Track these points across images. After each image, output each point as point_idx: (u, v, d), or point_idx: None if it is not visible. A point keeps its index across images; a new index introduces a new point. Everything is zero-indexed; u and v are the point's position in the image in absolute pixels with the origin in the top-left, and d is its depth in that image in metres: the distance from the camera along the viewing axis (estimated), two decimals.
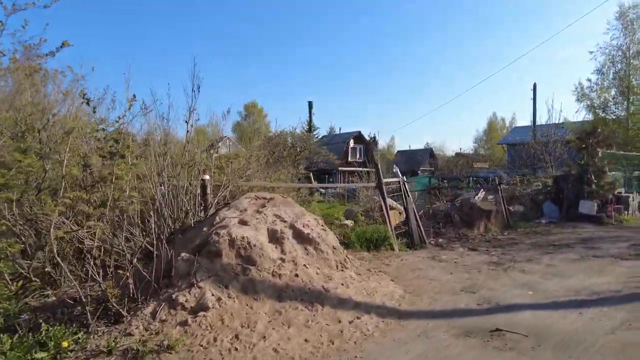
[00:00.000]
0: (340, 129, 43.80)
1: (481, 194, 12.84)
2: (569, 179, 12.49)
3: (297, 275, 4.41)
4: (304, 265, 4.61)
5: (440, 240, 9.44)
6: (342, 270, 5.05)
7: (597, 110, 29.73)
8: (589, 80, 29.33)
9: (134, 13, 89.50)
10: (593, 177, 12.08)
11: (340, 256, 5.29)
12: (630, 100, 28.29)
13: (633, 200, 13.64)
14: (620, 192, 13.48)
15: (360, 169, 19.59)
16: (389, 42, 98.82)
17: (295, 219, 5.17)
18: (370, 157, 37.42)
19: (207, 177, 5.92)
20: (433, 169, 39.41)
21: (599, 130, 12.53)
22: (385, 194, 8.31)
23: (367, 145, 37.37)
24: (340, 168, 34.54)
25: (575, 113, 47.27)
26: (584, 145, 12.60)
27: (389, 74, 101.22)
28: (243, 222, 4.78)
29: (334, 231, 7.76)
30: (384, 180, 8.92)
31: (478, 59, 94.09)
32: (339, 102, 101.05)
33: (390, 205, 13.61)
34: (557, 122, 20.85)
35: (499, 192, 11.17)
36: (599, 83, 29.68)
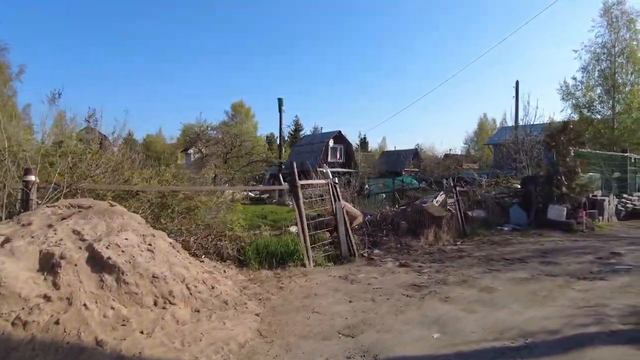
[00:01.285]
0: (321, 129, 42.40)
1: (440, 197, 11.42)
2: (538, 180, 11.11)
3: (57, 323, 2.92)
4: (85, 304, 3.12)
5: (377, 251, 7.99)
6: (164, 308, 3.57)
7: (582, 110, 28.51)
8: (574, 78, 28.19)
9: None
10: (564, 178, 10.70)
11: (175, 287, 3.81)
12: (616, 99, 27.11)
13: (609, 204, 12.28)
14: (596, 196, 12.11)
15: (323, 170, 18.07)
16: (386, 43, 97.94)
17: (101, 236, 3.68)
18: (352, 158, 36.09)
19: (32, 177, 4.45)
20: (417, 169, 38.15)
21: (571, 127, 11.16)
22: (300, 197, 6.83)
23: (348, 145, 35.92)
24: (319, 169, 33.11)
25: (560, 112, 46.34)
26: (554, 144, 11.24)
27: (381, 76, 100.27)
28: (5, 241, 3.28)
29: (232, 244, 6.31)
30: (304, 182, 7.46)
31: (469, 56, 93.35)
32: (334, 102, 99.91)
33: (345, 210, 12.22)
34: (533, 120, 19.50)
35: (455, 195, 9.74)
36: (584, 81, 28.50)
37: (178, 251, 4.75)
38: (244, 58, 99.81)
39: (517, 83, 25.39)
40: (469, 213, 10.45)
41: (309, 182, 8.03)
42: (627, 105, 26.55)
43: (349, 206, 12.47)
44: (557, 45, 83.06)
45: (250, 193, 25.64)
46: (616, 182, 15.29)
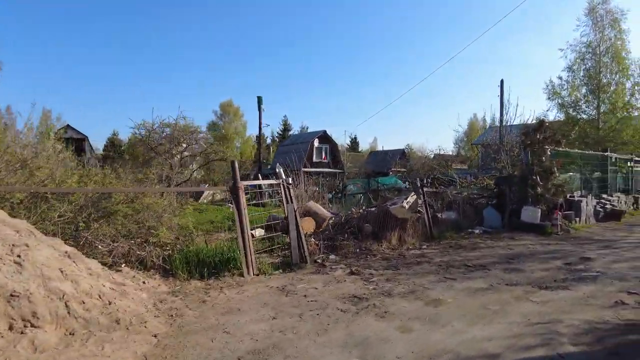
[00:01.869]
0: (307, 128, 41.80)
1: (411, 198, 10.88)
2: (512, 181, 10.61)
3: None
4: None
5: (333, 257, 7.41)
6: (22, 332, 2.97)
7: (568, 109, 28.22)
8: (560, 78, 27.86)
9: None
10: (538, 178, 10.21)
11: (44, 306, 3.19)
12: (601, 98, 26.85)
13: (587, 205, 11.83)
14: (573, 196, 11.65)
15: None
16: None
17: None
18: (337, 158, 35.54)
19: None
20: (405, 169, 37.67)
21: (547, 125, 10.67)
22: (241, 199, 6.21)
23: (334, 145, 35.35)
24: (303, 169, 32.50)
25: (546, 111, 46.25)
26: (529, 142, 10.75)
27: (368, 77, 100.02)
28: None
29: (157, 251, 5.69)
30: (249, 182, 6.86)
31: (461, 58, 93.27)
32: (322, 102, 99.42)
33: (308, 210, 11.65)
34: (513, 119, 19.03)
35: (422, 196, 9.19)
36: (570, 81, 28.19)
37: (75, 261, 4.13)
38: (238, 58, 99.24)
39: (501, 82, 24.88)
40: (439, 215, 9.92)
41: (256, 182, 7.42)
42: (612, 105, 26.31)
43: (319, 207, 11.91)
44: (546, 45, 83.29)
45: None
46: (597, 182, 14.90)
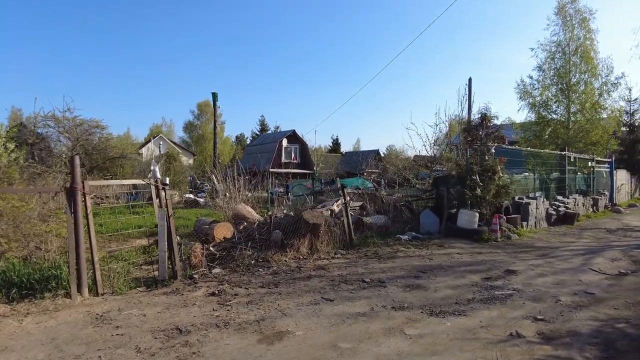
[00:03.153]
0: (278, 128, 40.58)
1: (341, 201, 9.82)
2: (450, 181, 9.61)
3: None
4: None
5: (217, 271, 6.27)
6: None
7: (539, 109, 27.62)
8: (531, 77, 27.22)
9: None
10: (478, 179, 9.23)
11: None
12: (571, 98, 26.32)
13: (538, 208, 10.92)
14: (522, 199, 10.74)
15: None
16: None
17: None
18: (308, 158, 34.44)
19: None
20: (379, 170, 36.75)
21: (490, 119, 9.72)
22: (78, 203, 5.01)
23: (304, 145, 34.21)
24: (271, 170, 31.27)
25: (517, 111, 45.98)
26: (470, 139, 9.80)
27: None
28: None
29: None
30: (97, 182, 5.66)
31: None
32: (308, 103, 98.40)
33: (237, 214, 10.47)
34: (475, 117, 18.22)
35: (343, 197, 8.10)
36: (541, 80, 27.62)
37: None
38: (216, 59, 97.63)
39: (469, 80, 24.07)
40: (366, 219, 8.86)
41: (105, 182, 6.22)
42: (582, 104, 25.83)
43: (249, 211, 10.75)
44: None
45: (190, 196, 23.60)
46: (555, 183, 14.09)
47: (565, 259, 7.29)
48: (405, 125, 31.48)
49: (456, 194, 9.42)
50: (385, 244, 8.16)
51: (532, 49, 27.42)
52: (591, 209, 14.91)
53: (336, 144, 70.32)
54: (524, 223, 10.18)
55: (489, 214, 9.30)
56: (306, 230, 7.54)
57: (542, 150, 13.68)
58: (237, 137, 71.38)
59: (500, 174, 9.60)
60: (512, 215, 9.98)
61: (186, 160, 41.85)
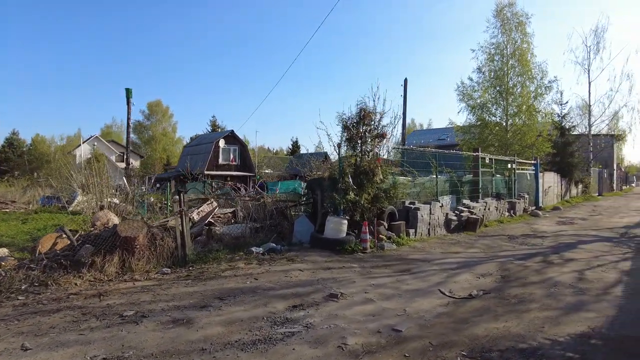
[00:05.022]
0: (225, 127, 38.90)
1: (207, 206, 8.58)
2: (324, 184, 8.55)
3: None
4: None
5: None
6: None
7: (478, 111, 27.41)
8: (470, 79, 27.00)
9: None
10: (351, 181, 8.20)
11: None
12: (509, 101, 26.26)
13: (432, 214, 10.04)
14: (413, 203, 9.82)
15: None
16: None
17: None
18: (247, 160, 32.99)
19: None
20: (321, 172, 35.82)
21: (368, 115, 8.72)
22: None
23: (243, 146, 32.72)
24: (207, 172, 29.55)
25: (457, 113, 46.50)
26: (348, 137, 8.77)
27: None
28: None
29: None
30: None
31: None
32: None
33: (94, 223, 9.04)
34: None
35: (180, 204, 6.82)
36: (480, 82, 27.46)
37: None
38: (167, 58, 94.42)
39: (405, 81, 23.59)
40: (217, 230, 7.63)
41: None
42: (518, 107, 25.83)
43: (113, 218, 9.30)
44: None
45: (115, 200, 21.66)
46: (469, 185, 13.39)
47: (426, 275, 6.28)
48: (316, 124, 30.80)
49: (329, 199, 8.35)
50: (230, 260, 6.93)
51: (473, 51, 27.30)
52: (507, 213, 14.34)
53: (296, 147, 69.11)
54: (411, 230, 9.25)
55: (360, 221, 8.26)
56: (119, 244, 6.21)
57: (447, 152, 12.91)
58: (191, 139, 69.09)
59: (381, 176, 8.62)
60: (397, 222, 9.03)
61: (132, 162, 39.41)
